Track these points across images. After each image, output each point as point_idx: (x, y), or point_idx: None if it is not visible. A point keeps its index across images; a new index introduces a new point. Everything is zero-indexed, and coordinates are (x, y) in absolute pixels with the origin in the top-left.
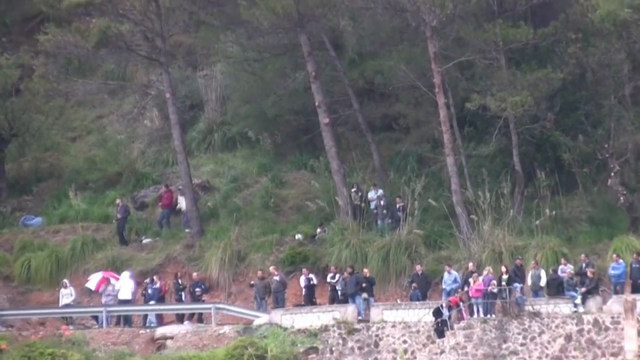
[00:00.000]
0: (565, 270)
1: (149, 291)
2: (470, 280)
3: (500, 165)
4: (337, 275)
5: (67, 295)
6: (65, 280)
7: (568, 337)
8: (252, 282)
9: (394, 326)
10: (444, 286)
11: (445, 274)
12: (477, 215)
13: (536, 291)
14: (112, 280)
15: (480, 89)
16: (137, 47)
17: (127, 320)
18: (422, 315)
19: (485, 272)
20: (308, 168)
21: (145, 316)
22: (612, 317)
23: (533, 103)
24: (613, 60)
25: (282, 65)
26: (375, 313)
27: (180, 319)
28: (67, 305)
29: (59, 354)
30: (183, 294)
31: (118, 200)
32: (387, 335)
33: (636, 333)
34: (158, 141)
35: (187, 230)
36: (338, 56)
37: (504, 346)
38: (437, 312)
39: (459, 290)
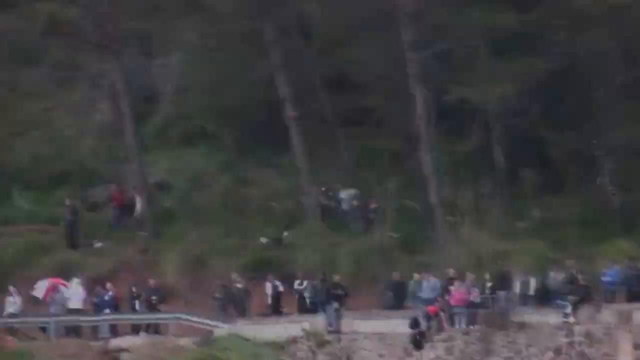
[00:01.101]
0: (556, 277)
1: (106, 298)
2: (451, 287)
3: (481, 162)
4: (305, 282)
5: (12, 303)
6: (11, 288)
7: (557, 350)
8: (215, 295)
9: (367, 338)
10: (421, 294)
11: (423, 281)
12: (457, 217)
13: (523, 300)
14: (61, 288)
15: (460, 80)
16: (87, 34)
17: (76, 331)
18: (398, 325)
19: (467, 280)
20: (273, 166)
21: (96, 327)
22: (605, 329)
23: (517, 95)
24: (603, 49)
25: (245, 54)
26: (347, 323)
27: (135, 329)
28: (12, 315)
29: None
30: (137, 302)
31: (67, 201)
32: (361, 348)
33: (632, 346)
34: (110, 136)
35: (141, 232)
36: (305, 44)
37: None
38: (415, 323)
39: (439, 298)
